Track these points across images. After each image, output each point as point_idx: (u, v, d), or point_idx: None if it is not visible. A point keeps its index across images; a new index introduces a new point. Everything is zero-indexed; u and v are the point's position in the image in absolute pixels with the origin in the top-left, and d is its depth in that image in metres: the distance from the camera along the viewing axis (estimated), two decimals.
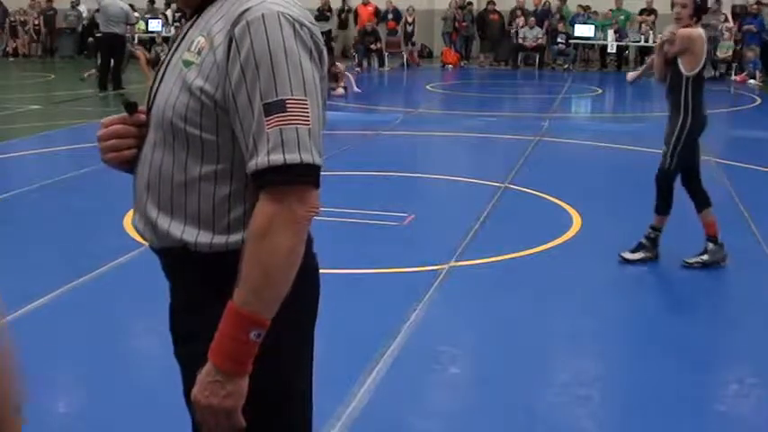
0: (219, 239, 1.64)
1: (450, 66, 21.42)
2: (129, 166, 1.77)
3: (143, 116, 1.73)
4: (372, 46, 21.05)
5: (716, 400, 3.91)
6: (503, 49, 21.97)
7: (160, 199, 1.67)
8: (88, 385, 3.88)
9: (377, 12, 21.66)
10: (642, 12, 20.91)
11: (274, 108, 1.52)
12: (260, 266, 1.53)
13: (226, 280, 1.59)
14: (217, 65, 1.57)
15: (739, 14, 20.37)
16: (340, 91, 14.66)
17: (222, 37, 1.58)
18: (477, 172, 8.74)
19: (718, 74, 19.17)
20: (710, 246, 5.67)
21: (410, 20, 22.01)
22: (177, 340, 1.79)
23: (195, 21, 1.70)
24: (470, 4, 22.31)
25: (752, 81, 18.19)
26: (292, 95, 1.53)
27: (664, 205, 5.72)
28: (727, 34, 19.41)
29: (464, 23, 21.89)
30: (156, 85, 1.71)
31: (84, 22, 23.26)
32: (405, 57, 21.43)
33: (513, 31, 21.43)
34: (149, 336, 4.51)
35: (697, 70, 5.61)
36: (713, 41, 19.49)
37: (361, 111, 13.53)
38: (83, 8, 23.46)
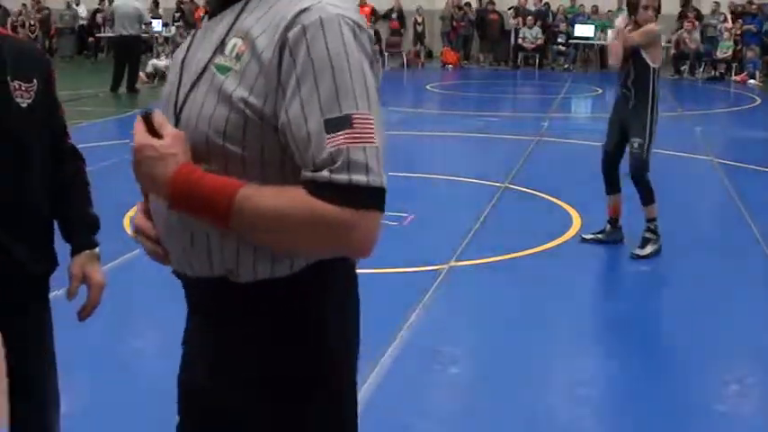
0: (265, 268, 1.49)
1: (450, 66, 21.42)
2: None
3: (167, 127, 1.48)
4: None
5: (716, 400, 3.90)
6: (502, 49, 21.98)
7: (192, 225, 1.49)
8: (88, 386, 3.89)
9: (373, 12, 21.65)
10: None
11: (339, 124, 1.36)
12: (279, 228, 1.40)
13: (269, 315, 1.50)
14: (264, 74, 1.40)
15: (739, 14, 20.37)
16: None
17: (268, 41, 1.41)
18: (477, 172, 8.74)
19: (718, 74, 19.16)
20: (609, 227, 6.13)
21: (419, 20, 22.02)
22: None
23: (222, 17, 1.52)
24: (468, 4, 22.31)
25: (752, 81, 18.19)
26: (358, 110, 1.38)
27: (650, 195, 5.86)
28: (726, 34, 19.40)
29: (462, 23, 21.89)
30: (180, 86, 1.52)
31: (83, 22, 23.25)
32: (404, 57, 21.44)
33: (513, 29, 21.44)
34: (151, 335, 4.51)
35: (660, 62, 5.88)
36: (712, 41, 19.52)
37: None
38: (82, 8, 23.45)
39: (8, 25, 21.93)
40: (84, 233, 2.25)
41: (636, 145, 5.82)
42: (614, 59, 5.98)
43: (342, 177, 1.35)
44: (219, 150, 1.43)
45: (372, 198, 1.38)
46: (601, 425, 3.72)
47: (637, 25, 5.84)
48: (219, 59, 1.45)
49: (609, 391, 4.03)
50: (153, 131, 1.46)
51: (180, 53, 1.59)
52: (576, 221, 6.75)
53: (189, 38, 1.61)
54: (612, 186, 6.11)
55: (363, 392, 3.75)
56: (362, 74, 1.40)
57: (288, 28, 1.39)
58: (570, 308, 5.00)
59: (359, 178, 1.36)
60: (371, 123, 1.39)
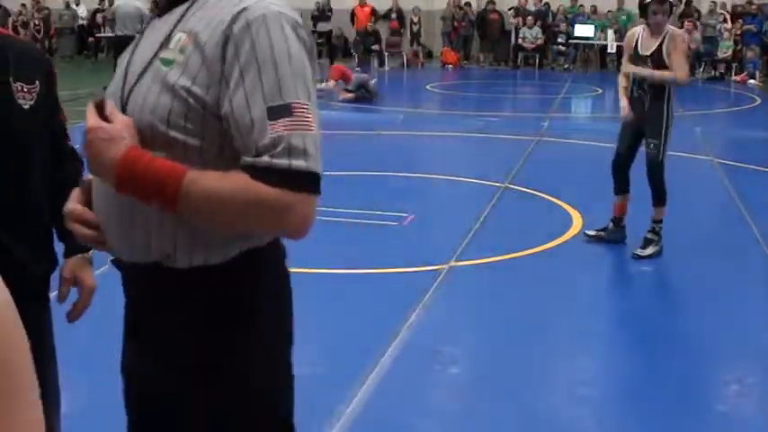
0: (199, 255, 1.55)
1: (450, 66, 21.41)
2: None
3: (117, 114, 1.56)
4: (373, 47, 21.06)
5: (717, 400, 3.90)
6: (503, 49, 21.98)
7: (134, 208, 1.55)
8: (87, 387, 3.89)
9: (374, 12, 21.65)
10: None
11: (280, 112, 1.46)
12: (223, 209, 1.48)
13: (206, 301, 1.57)
14: (207, 65, 1.49)
15: (739, 14, 20.37)
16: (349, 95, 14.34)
17: (211, 35, 1.50)
18: (477, 172, 8.74)
19: (718, 74, 19.17)
20: (612, 226, 6.15)
21: (415, 20, 22.02)
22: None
23: (168, 17, 1.60)
24: (468, 4, 22.31)
25: (752, 81, 18.19)
26: (298, 100, 1.48)
27: (663, 197, 5.87)
28: (726, 34, 19.41)
29: (463, 23, 21.89)
30: (126, 82, 1.60)
31: (83, 22, 23.25)
32: (404, 57, 21.44)
33: (513, 29, 21.44)
34: None
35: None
36: (712, 41, 19.51)
37: (361, 111, 13.53)
38: (82, 8, 23.44)
39: (9, 25, 21.95)
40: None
41: (652, 146, 5.83)
42: (625, 113, 6.00)
43: (282, 162, 1.45)
44: (163, 137, 1.51)
45: (309, 182, 1.48)
46: (601, 425, 3.72)
47: (648, 27, 5.82)
48: (165, 53, 1.54)
49: (609, 391, 4.03)
50: (104, 118, 1.54)
51: (126, 55, 1.67)
52: (576, 221, 6.74)
53: (134, 41, 1.69)
54: (621, 187, 6.12)
55: (363, 392, 3.75)
56: (303, 67, 1.51)
57: (232, 23, 1.49)
58: (570, 308, 5.00)
59: (298, 163, 1.46)
60: (310, 113, 1.49)
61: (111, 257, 1.67)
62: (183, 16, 1.57)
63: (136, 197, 1.51)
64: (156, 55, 1.55)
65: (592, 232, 6.20)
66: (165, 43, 1.55)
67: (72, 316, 2.22)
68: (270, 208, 1.46)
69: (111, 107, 1.55)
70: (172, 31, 1.55)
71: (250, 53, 1.47)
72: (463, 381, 4.13)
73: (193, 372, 1.60)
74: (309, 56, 1.54)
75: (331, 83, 14.62)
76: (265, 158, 1.45)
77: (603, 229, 6.17)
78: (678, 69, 5.71)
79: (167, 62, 1.53)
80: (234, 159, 1.49)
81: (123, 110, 1.57)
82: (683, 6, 20.43)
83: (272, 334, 1.67)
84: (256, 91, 1.46)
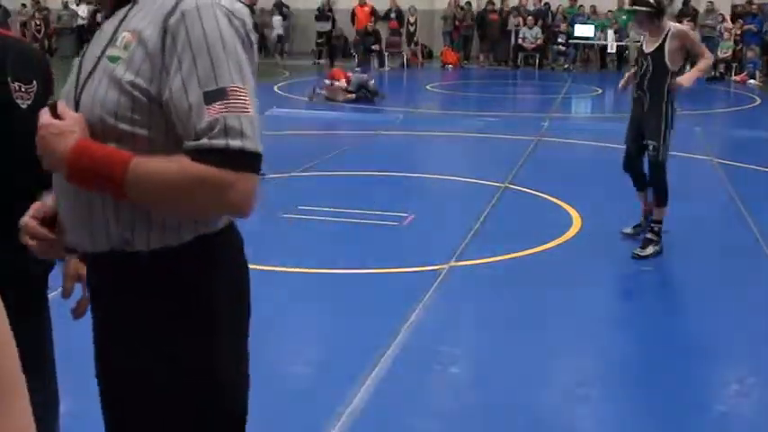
0: (156, 238, 1.64)
1: (450, 66, 21.42)
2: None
3: (69, 112, 1.66)
4: (373, 47, 21.06)
5: (716, 400, 3.90)
6: (503, 49, 21.98)
7: (91, 199, 1.64)
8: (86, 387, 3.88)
9: (373, 12, 21.65)
10: None
11: (215, 96, 1.54)
12: (168, 190, 1.56)
13: (166, 284, 1.64)
14: (149, 57, 1.57)
15: (740, 14, 20.38)
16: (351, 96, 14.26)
17: (152, 29, 1.58)
18: (477, 172, 8.74)
19: (718, 74, 19.17)
20: (644, 220, 6.13)
21: (412, 20, 22.02)
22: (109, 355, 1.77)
23: (113, 18, 1.69)
24: (469, 3, 22.31)
25: (752, 81, 18.19)
26: (233, 84, 1.56)
27: (665, 198, 5.90)
28: (726, 34, 19.41)
29: (464, 23, 21.89)
30: (78, 81, 1.69)
31: (83, 22, 23.24)
32: (404, 57, 21.44)
33: (513, 29, 21.44)
34: None
35: (681, 64, 5.90)
36: (712, 41, 19.51)
37: (361, 111, 13.53)
38: (82, 8, 23.44)
39: (11, 25, 21.95)
40: None
41: (651, 147, 5.85)
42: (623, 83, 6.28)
43: (219, 142, 1.53)
44: (113, 130, 1.60)
45: (248, 161, 1.55)
46: (601, 425, 3.72)
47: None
48: (111, 51, 1.63)
49: (609, 391, 4.03)
50: (56, 117, 1.64)
51: (78, 58, 1.75)
52: (576, 221, 6.74)
53: (85, 48, 1.76)
54: (639, 183, 6.18)
55: (363, 392, 3.75)
56: (236, 53, 1.59)
57: (169, 16, 1.58)
58: (570, 308, 5.00)
59: (235, 143, 1.53)
60: (246, 95, 1.57)
61: (77, 253, 1.76)
62: (125, 16, 1.66)
63: (87, 186, 1.61)
64: (102, 53, 1.65)
65: (629, 230, 6.27)
66: (110, 42, 1.64)
67: (77, 313, 2.22)
68: (211, 186, 1.54)
69: (62, 106, 1.65)
70: (116, 31, 1.65)
71: (185, 42, 1.56)
72: (463, 381, 4.12)
73: (153, 358, 1.67)
74: (243, 43, 1.61)
75: (334, 83, 14.53)
76: (204, 140, 1.53)
77: (638, 225, 6.23)
78: (703, 56, 5.87)
79: (113, 59, 1.61)
80: (179, 148, 1.57)
81: (77, 106, 1.66)
82: (680, 5, 20.45)
83: (229, 321, 1.73)
84: (192, 77, 1.54)
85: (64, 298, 2.19)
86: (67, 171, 1.59)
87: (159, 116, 1.58)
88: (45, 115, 1.64)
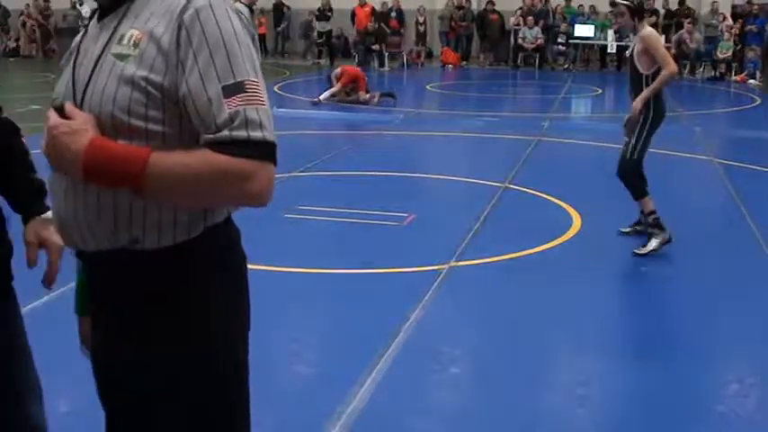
0: (167, 235, 1.65)
1: (450, 66, 21.42)
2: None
3: (77, 112, 1.64)
4: (373, 47, 21.06)
5: (717, 400, 3.90)
6: (502, 49, 21.98)
7: (100, 196, 1.64)
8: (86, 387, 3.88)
9: (373, 12, 21.65)
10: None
11: (234, 89, 1.57)
12: (190, 183, 1.57)
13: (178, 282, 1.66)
14: (163, 54, 1.59)
15: (740, 14, 20.38)
16: (375, 100, 14.07)
17: (164, 27, 1.60)
18: (477, 172, 8.74)
19: (718, 74, 19.17)
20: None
21: (421, 20, 22.02)
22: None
23: (110, 19, 1.69)
24: (469, 3, 22.30)
25: (752, 81, 18.20)
26: (249, 78, 1.60)
27: (639, 189, 5.95)
28: (726, 34, 19.40)
29: (462, 23, 21.89)
30: (76, 83, 1.68)
31: (86, 21, 23.25)
32: (404, 57, 21.44)
33: (512, 29, 21.43)
34: None
35: (654, 68, 5.82)
36: (712, 41, 19.51)
37: (362, 111, 13.52)
38: (86, 8, 23.42)
39: (10, 25, 21.97)
40: (32, 200, 2.22)
41: (624, 143, 5.97)
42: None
43: (241, 134, 1.56)
44: (125, 127, 1.60)
45: (268, 150, 1.59)
46: (601, 425, 3.71)
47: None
48: (117, 49, 1.63)
49: (609, 391, 4.03)
50: (64, 117, 1.62)
51: (68, 60, 1.75)
52: (576, 221, 6.75)
53: (74, 49, 1.76)
54: (635, 192, 6.13)
55: (363, 392, 3.75)
56: (249, 48, 1.63)
57: (182, 13, 1.60)
58: (570, 308, 5.00)
59: (255, 134, 1.57)
60: (261, 88, 1.62)
61: (74, 250, 1.75)
62: (124, 15, 1.67)
63: (103, 183, 1.60)
64: (104, 52, 1.65)
65: (626, 229, 6.29)
66: (117, 40, 1.64)
67: (47, 281, 2.18)
68: (234, 177, 1.56)
69: (70, 107, 1.64)
70: (116, 29, 1.66)
71: (201, 37, 1.59)
72: (463, 381, 4.13)
73: (156, 354, 1.68)
74: (252, 40, 1.69)
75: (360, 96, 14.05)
76: (225, 132, 1.55)
77: (637, 223, 6.23)
78: (663, 66, 5.76)
79: (122, 57, 1.62)
80: (194, 141, 1.59)
81: (81, 105, 1.65)
82: (678, 6, 20.46)
83: (232, 319, 1.75)
84: (210, 71, 1.57)
85: (30, 266, 2.15)
86: (83, 169, 1.58)
87: (173, 111, 1.60)
88: (53, 116, 1.63)
